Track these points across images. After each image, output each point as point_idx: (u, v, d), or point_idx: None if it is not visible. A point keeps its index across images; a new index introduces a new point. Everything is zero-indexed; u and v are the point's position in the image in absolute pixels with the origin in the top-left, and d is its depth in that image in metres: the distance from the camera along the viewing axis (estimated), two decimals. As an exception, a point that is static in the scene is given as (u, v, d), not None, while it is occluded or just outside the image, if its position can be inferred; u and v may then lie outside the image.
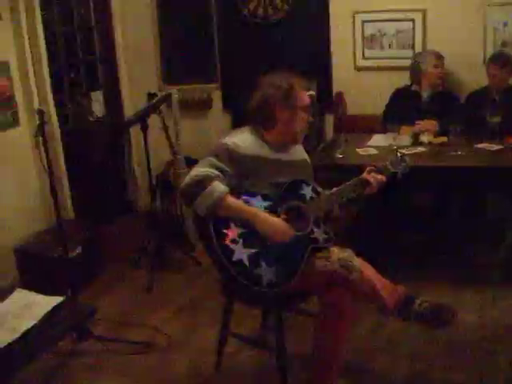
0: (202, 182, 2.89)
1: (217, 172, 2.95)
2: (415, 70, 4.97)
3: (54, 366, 3.56)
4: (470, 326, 3.77)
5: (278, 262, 2.94)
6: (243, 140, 3.11)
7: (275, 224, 2.96)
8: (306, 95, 3.19)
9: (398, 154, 3.37)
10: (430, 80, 4.91)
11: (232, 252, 2.89)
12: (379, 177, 3.21)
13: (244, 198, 2.99)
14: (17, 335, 2.55)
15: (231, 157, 3.01)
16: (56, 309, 2.77)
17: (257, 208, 2.98)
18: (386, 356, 3.56)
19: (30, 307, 2.78)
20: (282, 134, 3.17)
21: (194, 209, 2.94)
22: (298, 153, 3.34)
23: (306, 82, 3.25)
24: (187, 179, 2.96)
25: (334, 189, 3.23)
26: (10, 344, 2.50)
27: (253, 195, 3.02)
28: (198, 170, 2.96)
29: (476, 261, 4.63)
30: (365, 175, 3.22)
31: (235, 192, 2.97)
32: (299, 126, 3.16)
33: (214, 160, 3.00)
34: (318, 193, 3.21)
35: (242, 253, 2.90)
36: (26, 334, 2.57)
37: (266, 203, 3.03)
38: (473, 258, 4.67)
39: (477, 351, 3.53)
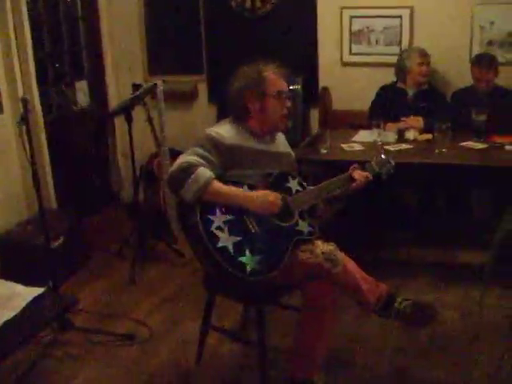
0: (189, 169, 2.91)
1: (202, 161, 2.96)
2: (400, 67, 4.98)
3: (34, 357, 3.54)
4: (452, 325, 3.80)
5: (262, 251, 2.94)
6: (228, 130, 3.12)
7: (263, 197, 2.98)
8: (279, 81, 3.16)
9: (383, 156, 3.39)
10: (414, 78, 4.91)
11: (217, 239, 2.88)
12: (365, 174, 3.24)
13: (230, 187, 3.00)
14: (-3, 325, 2.55)
15: (216, 147, 3.02)
16: (37, 299, 2.75)
17: (241, 189, 3.00)
18: (367, 351, 3.57)
19: (11, 298, 2.76)
20: (260, 124, 3.17)
21: (180, 196, 2.94)
22: (283, 145, 3.36)
23: (283, 70, 3.21)
24: (173, 167, 2.97)
25: (320, 184, 3.24)
26: (-10, 334, 2.49)
27: (239, 186, 3.02)
28: (184, 158, 2.97)
29: (460, 259, 4.66)
30: (350, 172, 3.24)
31: (221, 182, 2.98)
32: (274, 114, 3.15)
33: (199, 150, 3.00)
34: (303, 186, 3.23)
35: (227, 240, 2.89)
36: (6, 325, 2.55)
37: None
38: (456, 255, 4.70)
39: (459, 350, 3.55)
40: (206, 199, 2.92)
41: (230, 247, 2.89)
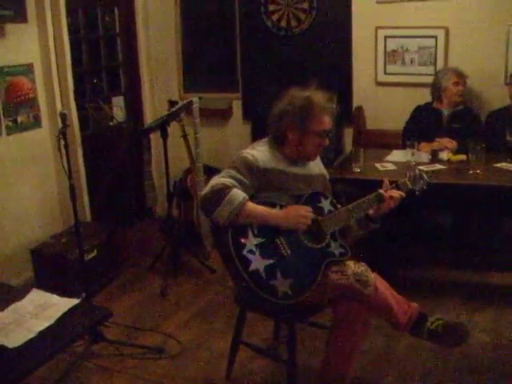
0: (222, 191, 2.91)
1: (235, 183, 2.97)
2: (436, 87, 4.96)
3: (67, 367, 3.59)
4: (483, 347, 3.75)
5: (294, 274, 2.94)
6: (262, 153, 3.12)
7: (295, 214, 2.98)
8: (324, 118, 3.12)
9: (417, 171, 3.36)
10: (450, 97, 4.89)
11: (249, 262, 2.89)
12: (399, 193, 3.20)
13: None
14: (32, 335, 2.58)
15: (250, 169, 3.03)
16: (71, 311, 2.79)
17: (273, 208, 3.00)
18: (396, 373, 3.55)
19: (46, 308, 2.79)
20: (293, 152, 3.17)
21: (214, 218, 2.94)
22: (317, 167, 3.34)
23: (332, 102, 3.19)
24: (206, 189, 2.97)
25: (352, 203, 3.23)
26: (25, 343, 2.52)
27: (272, 206, 3.02)
28: (217, 181, 2.98)
29: (492, 281, 4.62)
30: (383, 190, 3.20)
31: (254, 203, 2.98)
32: (309, 149, 3.14)
33: (232, 172, 3.01)
34: (335, 206, 3.21)
35: (258, 263, 2.89)
36: (41, 335, 2.59)
37: None
38: (489, 277, 4.65)
39: (489, 373, 3.51)
40: (240, 221, 2.92)
41: (262, 271, 2.89)
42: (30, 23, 4.58)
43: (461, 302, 4.28)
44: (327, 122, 3.13)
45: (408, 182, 3.28)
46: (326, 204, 3.18)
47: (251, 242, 2.93)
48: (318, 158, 3.38)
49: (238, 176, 3.00)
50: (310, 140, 3.12)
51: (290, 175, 3.15)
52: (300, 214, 2.99)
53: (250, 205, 2.94)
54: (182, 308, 4.39)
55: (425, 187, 3.33)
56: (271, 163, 3.09)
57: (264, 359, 3.65)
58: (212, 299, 4.52)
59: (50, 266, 4.48)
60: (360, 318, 3.00)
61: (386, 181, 3.26)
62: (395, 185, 3.24)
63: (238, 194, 2.92)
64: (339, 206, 3.24)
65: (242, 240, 2.92)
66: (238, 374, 3.56)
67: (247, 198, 2.94)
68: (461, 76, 4.88)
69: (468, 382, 3.43)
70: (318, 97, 3.12)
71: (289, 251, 2.97)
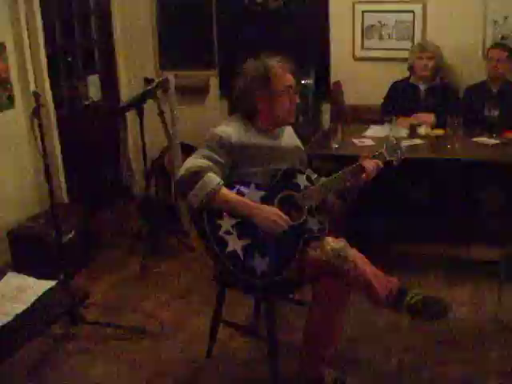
0: (196, 174, 2.87)
1: (210, 163, 2.93)
2: (408, 63, 4.97)
3: (46, 350, 3.56)
4: (463, 321, 3.78)
5: (271, 252, 2.93)
6: (234, 129, 3.08)
7: (270, 215, 2.92)
8: (286, 75, 3.10)
9: (394, 141, 3.34)
10: (417, 72, 4.89)
11: (226, 243, 2.88)
12: (375, 162, 3.17)
13: (238, 187, 2.97)
14: (9, 318, 2.55)
15: (223, 147, 2.99)
16: (48, 293, 2.77)
17: (250, 200, 2.96)
18: (377, 347, 3.57)
19: (23, 291, 2.77)
20: (268, 121, 3.13)
21: (188, 201, 2.91)
22: (291, 139, 3.31)
23: (290, 63, 3.14)
24: (181, 171, 2.93)
25: (328, 177, 3.21)
26: (2, 327, 2.50)
27: (247, 185, 2.99)
28: (192, 162, 2.94)
29: (472, 255, 4.64)
30: (360, 162, 3.16)
31: (229, 182, 2.95)
32: (282, 110, 3.10)
33: (206, 151, 2.98)
34: (311, 181, 3.19)
35: (235, 244, 2.89)
36: (18, 318, 2.57)
37: (261, 193, 3.00)
38: (468, 251, 4.68)
39: (470, 346, 3.53)
40: (213, 206, 2.89)
41: (239, 251, 2.90)
42: (0, 2, 4.49)
43: (440, 277, 4.31)
44: (289, 78, 3.11)
45: (385, 153, 3.26)
46: (301, 179, 3.14)
47: (227, 222, 2.91)
48: (292, 130, 3.35)
49: (212, 155, 2.96)
50: (279, 101, 3.08)
51: (264, 148, 3.11)
52: (273, 219, 2.91)
53: (225, 192, 2.90)
54: (162, 288, 4.37)
55: (402, 157, 3.31)
56: (244, 138, 3.06)
57: (245, 337, 3.65)
58: (191, 278, 4.50)
59: (27, 248, 4.43)
60: (339, 294, 3.00)
61: (364, 155, 3.24)
62: (372, 156, 3.22)
63: (213, 179, 2.88)
64: (316, 175, 3.25)
65: (218, 221, 2.91)
66: (219, 352, 3.55)
67: (222, 183, 2.90)
68: (423, 50, 4.86)
69: (448, 356, 3.45)
70: (273, 60, 3.12)
71: (265, 230, 2.96)
